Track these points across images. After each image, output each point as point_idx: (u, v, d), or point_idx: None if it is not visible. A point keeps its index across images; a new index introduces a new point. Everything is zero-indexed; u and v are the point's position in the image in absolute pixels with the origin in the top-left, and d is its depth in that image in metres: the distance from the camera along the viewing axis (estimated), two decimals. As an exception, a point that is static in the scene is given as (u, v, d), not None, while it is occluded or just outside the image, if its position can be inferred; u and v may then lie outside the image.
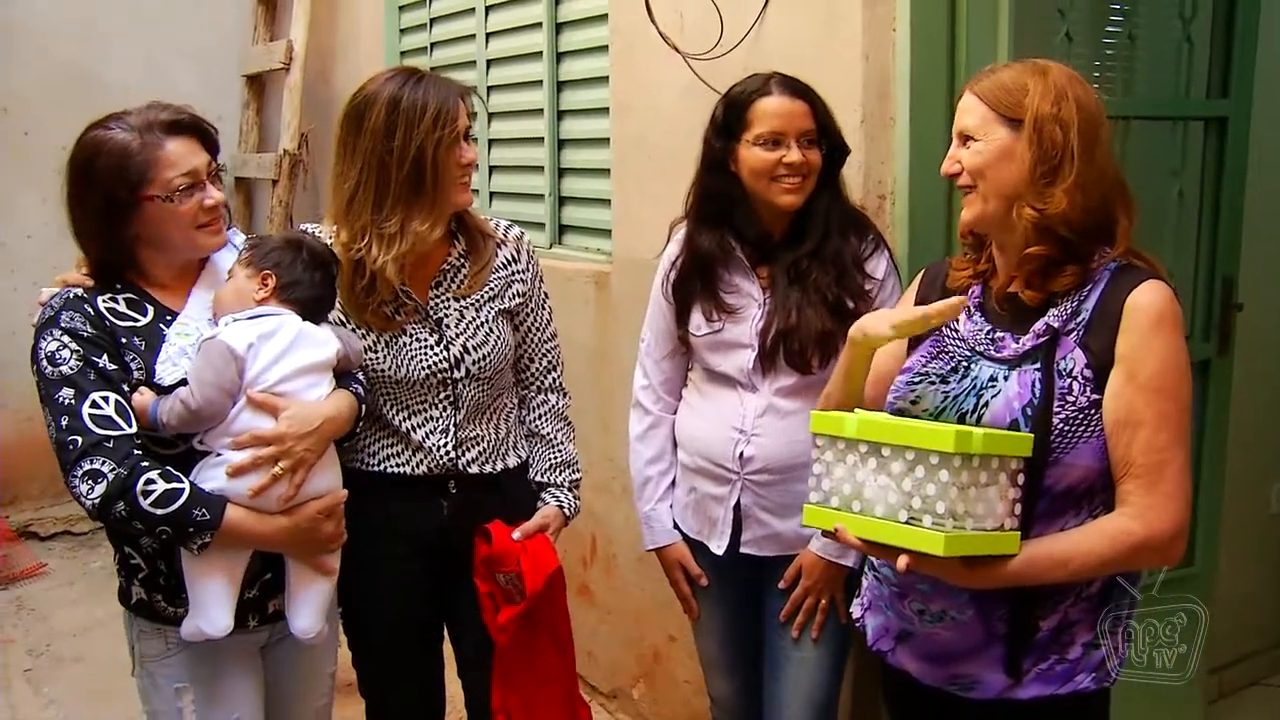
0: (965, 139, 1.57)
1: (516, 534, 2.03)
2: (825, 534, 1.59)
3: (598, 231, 3.22)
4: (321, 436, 1.77)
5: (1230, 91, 2.43)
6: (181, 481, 1.67)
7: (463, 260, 2.04)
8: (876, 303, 2.00)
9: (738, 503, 2.07)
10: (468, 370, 2.02)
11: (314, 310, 1.85)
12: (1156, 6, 2.47)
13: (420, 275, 2.01)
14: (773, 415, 2.03)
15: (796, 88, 1.98)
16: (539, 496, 2.15)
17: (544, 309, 2.15)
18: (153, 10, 4.96)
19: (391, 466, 2.02)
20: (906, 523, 1.43)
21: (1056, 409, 1.50)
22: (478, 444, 2.06)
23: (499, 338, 2.05)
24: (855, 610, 1.83)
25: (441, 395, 2.02)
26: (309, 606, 1.84)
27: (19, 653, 3.70)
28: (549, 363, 2.18)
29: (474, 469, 2.05)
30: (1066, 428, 1.50)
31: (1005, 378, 1.55)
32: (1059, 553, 1.48)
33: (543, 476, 2.16)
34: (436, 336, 2.01)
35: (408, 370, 1.99)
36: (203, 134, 1.78)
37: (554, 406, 2.19)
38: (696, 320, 2.08)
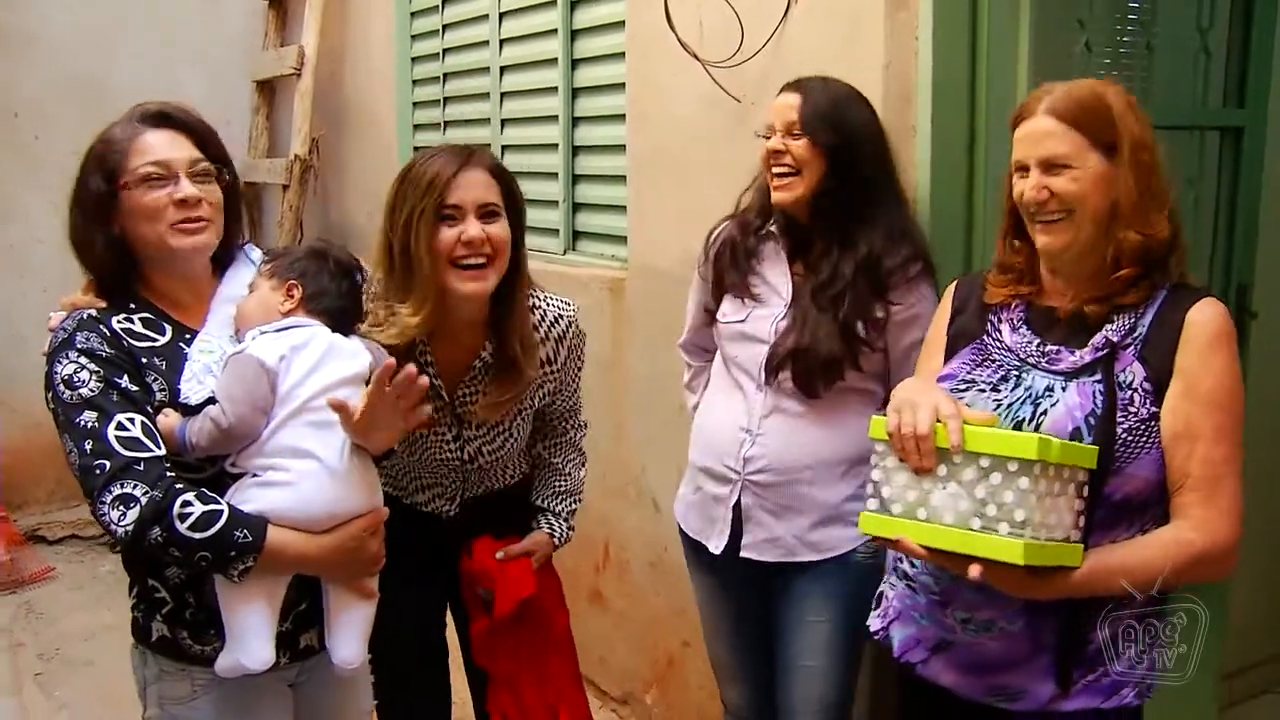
0: (1052, 166, 1.54)
1: (500, 554, 2.04)
2: (881, 542, 1.58)
3: (612, 238, 3.23)
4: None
5: (1246, 102, 2.45)
6: (219, 503, 1.57)
7: (492, 359, 1.97)
8: (901, 328, 1.98)
9: (738, 502, 2.07)
10: (480, 465, 2.06)
11: (342, 321, 1.77)
12: (1174, 17, 2.48)
13: (453, 370, 1.97)
14: (779, 416, 2.03)
15: (798, 84, 2.00)
16: (534, 517, 2.16)
17: (574, 381, 2.14)
18: (163, 15, 4.97)
19: (388, 491, 1.99)
20: (980, 530, 1.42)
21: (1120, 419, 1.51)
22: (481, 492, 2.11)
23: (518, 439, 2.08)
24: (874, 623, 1.79)
25: (452, 477, 2.08)
26: (351, 634, 1.73)
27: (29, 657, 3.69)
28: (571, 419, 2.21)
29: (473, 497, 2.11)
30: (1129, 438, 1.51)
31: (1063, 388, 1.56)
32: (1119, 564, 1.49)
33: (542, 501, 2.17)
34: (455, 432, 2.02)
35: (421, 457, 2.03)
36: (195, 132, 1.69)
37: (570, 438, 2.22)
38: (725, 308, 2.11)
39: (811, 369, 1.96)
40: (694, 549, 2.20)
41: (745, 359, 2.07)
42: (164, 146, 1.65)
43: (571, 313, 2.07)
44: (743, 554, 2.08)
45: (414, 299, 1.84)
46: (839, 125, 1.96)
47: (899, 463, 1.51)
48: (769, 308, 2.05)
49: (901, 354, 1.99)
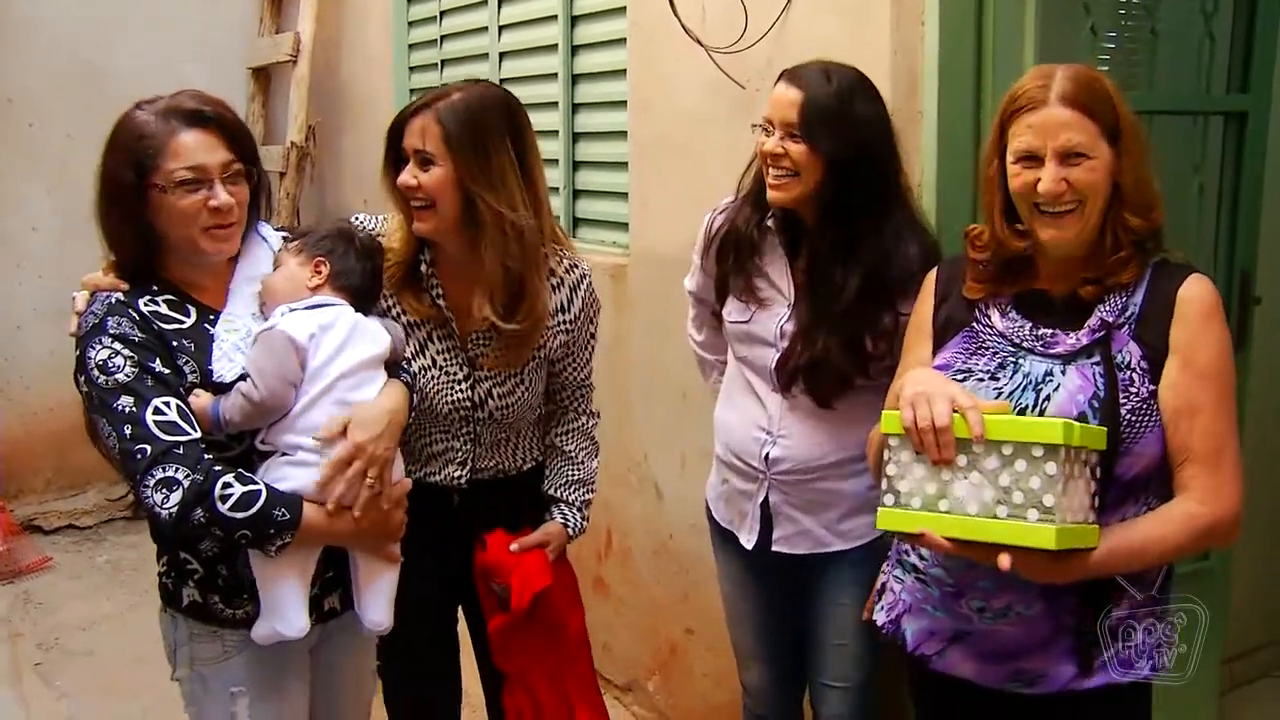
0: (1070, 156, 1.52)
1: (514, 546, 2.03)
2: (902, 537, 1.57)
3: (613, 225, 3.22)
4: (392, 432, 1.75)
5: (1250, 86, 2.44)
6: (256, 483, 1.63)
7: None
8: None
9: (766, 499, 2.06)
10: (490, 413, 2.03)
11: (364, 300, 1.83)
12: (1179, 2, 2.48)
13: (470, 309, 1.97)
14: (797, 415, 2.02)
15: (799, 78, 1.89)
16: (548, 508, 2.15)
17: (586, 349, 2.13)
18: (158, 2, 4.92)
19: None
20: (1008, 518, 1.42)
21: (1123, 400, 1.52)
22: (492, 469, 2.10)
23: (529, 388, 2.05)
24: (879, 616, 1.79)
25: (462, 430, 2.05)
26: (380, 598, 1.82)
27: (29, 646, 3.69)
28: (583, 393, 2.18)
29: (486, 476, 2.10)
30: (1134, 418, 1.52)
31: (1062, 372, 1.56)
32: (1135, 542, 1.51)
33: (556, 491, 2.15)
34: (466, 372, 2.01)
35: (431, 403, 2.00)
36: (229, 131, 1.70)
37: (582, 426, 2.19)
38: (729, 307, 2.08)
39: (825, 384, 1.95)
40: (723, 536, 2.19)
41: (754, 359, 2.05)
42: (200, 150, 1.65)
43: (586, 267, 2.09)
44: (774, 548, 2.07)
45: (397, 225, 1.99)
46: (842, 130, 1.86)
47: (915, 456, 1.49)
48: (772, 309, 2.02)
49: None
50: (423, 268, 2.00)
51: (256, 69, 4.99)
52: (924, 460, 1.48)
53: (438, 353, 2.01)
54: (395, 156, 1.94)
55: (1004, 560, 1.43)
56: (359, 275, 1.81)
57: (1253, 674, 3.28)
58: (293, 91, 4.56)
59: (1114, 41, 2.39)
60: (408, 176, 1.90)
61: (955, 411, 1.46)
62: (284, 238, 1.85)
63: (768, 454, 2.03)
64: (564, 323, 2.05)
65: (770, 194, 1.94)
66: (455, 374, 2.01)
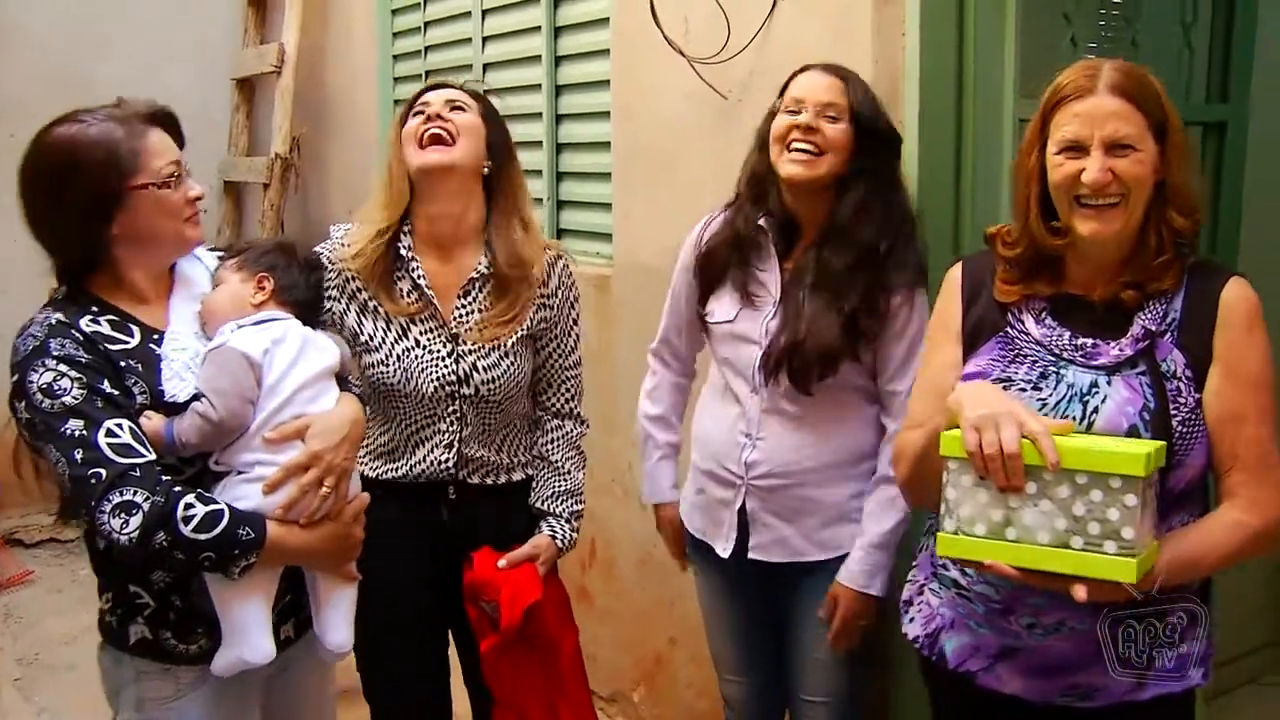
0: (1117, 147, 1.47)
1: (502, 562, 2.01)
2: (966, 563, 1.50)
3: (597, 235, 3.22)
4: (352, 441, 1.71)
5: (1229, 97, 2.47)
6: (218, 503, 1.57)
7: (490, 270, 2.02)
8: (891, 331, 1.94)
9: (743, 506, 2.05)
10: (476, 389, 2.01)
11: (310, 313, 1.82)
12: (1158, 13, 2.49)
13: (449, 286, 2.00)
14: (777, 419, 2.01)
15: (835, 69, 1.96)
16: (536, 522, 2.12)
17: (569, 336, 2.12)
18: (143, 13, 4.90)
19: (386, 474, 2.02)
20: (1084, 549, 1.36)
21: (1173, 411, 1.48)
22: (481, 464, 2.07)
23: (513, 364, 2.04)
24: (911, 630, 1.73)
25: (448, 410, 2.02)
26: (340, 618, 1.77)
27: (8, 661, 3.65)
28: (568, 391, 2.16)
29: (475, 480, 2.07)
30: (1185, 429, 1.48)
31: (1108, 383, 1.52)
32: (1190, 554, 1.47)
33: (543, 504, 2.13)
34: (450, 348, 2.00)
35: (416, 382, 1.99)
36: (175, 130, 1.72)
37: (568, 434, 2.17)
38: (713, 306, 2.07)
39: (808, 362, 1.92)
40: (699, 549, 2.19)
41: (737, 360, 2.04)
42: (170, 147, 1.69)
43: (561, 248, 2.15)
44: (751, 555, 2.06)
45: (386, 191, 2.02)
46: (880, 121, 1.95)
47: (977, 480, 1.42)
48: (759, 309, 2.01)
49: (890, 343, 1.95)
50: (403, 251, 2.00)
51: (241, 80, 4.97)
52: (988, 485, 1.41)
53: (421, 333, 2.01)
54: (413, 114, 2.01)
55: (1080, 592, 1.38)
56: (303, 289, 1.80)
57: (1241, 679, 3.28)
58: (277, 102, 4.55)
59: (1094, 52, 2.40)
60: (439, 108, 1.97)
61: (1024, 436, 1.39)
62: (219, 257, 1.82)
63: (746, 458, 2.03)
64: (542, 295, 2.06)
65: (789, 170, 1.91)
66: (439, 351, 2.00)
